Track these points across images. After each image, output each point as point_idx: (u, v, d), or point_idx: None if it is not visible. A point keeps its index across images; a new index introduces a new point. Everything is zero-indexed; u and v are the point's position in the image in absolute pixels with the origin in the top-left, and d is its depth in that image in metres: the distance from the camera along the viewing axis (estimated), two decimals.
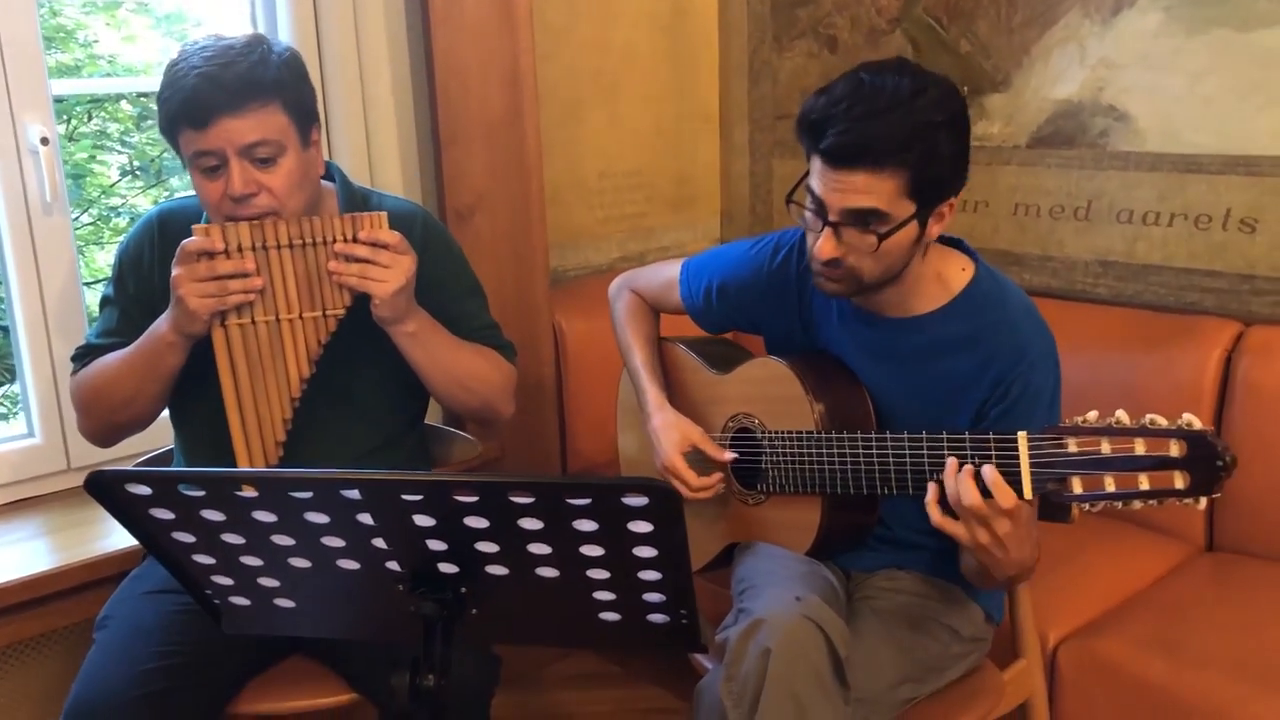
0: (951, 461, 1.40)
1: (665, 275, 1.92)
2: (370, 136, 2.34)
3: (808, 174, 1.53)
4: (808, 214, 1.53)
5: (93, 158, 3.20)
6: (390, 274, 1.61)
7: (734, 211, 3.15)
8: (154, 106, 3.07)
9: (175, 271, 1.58)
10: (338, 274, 1.61)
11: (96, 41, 3.21)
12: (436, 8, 2.31)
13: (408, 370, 1.74)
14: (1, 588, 1.85)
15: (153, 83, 3.05)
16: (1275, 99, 2.17)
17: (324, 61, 2.27)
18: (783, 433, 1.67)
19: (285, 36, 2.29)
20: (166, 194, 3.47)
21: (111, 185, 3.45)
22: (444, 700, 1.10)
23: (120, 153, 3.52)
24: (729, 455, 1.73)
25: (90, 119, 3.19)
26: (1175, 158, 2.32)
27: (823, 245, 1.50)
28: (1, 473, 2.12)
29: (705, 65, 3.06)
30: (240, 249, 1.59)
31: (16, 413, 3.12)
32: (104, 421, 1.73)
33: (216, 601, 1.20)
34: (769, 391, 1.71)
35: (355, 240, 1.62)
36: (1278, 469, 2.09)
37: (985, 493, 1.37)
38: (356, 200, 1.79)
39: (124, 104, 3.46)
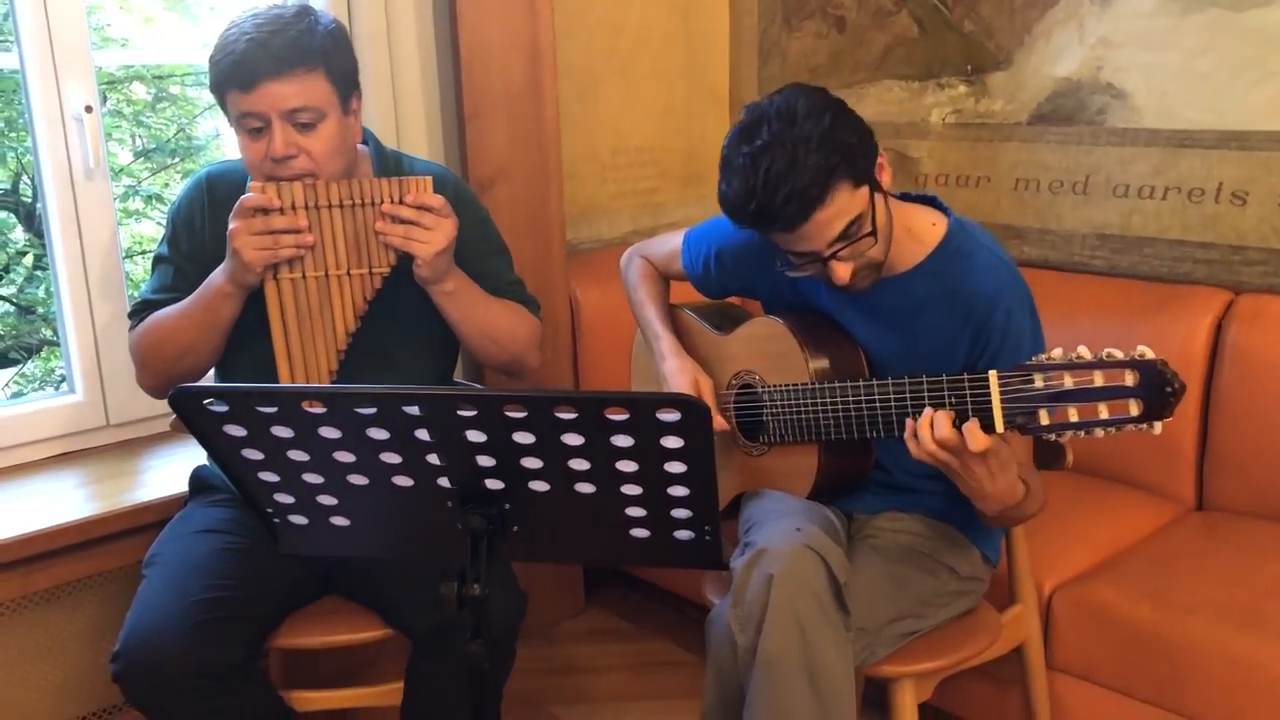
0: (927, 411, 1.50)
1: (670, 245, 2.04)
2: (398, 109, 2.43)
3: (782, 251, 1.65)
4: (808, 268, 1.65)
5: (109, 137, 3.30)
6: (433, 236, 1.70)
7: None
8: (170, 89, 3.14)
9: (232, 225, 1.68)
10: (384, 234, 1.71)
11: (110, 25, 3.31)
12: None
13: (438, 327, 1.84)
14: (50, 531, 1.95)
15: (187, 56, 3.15)
16: (1267, 76, 2.26)
17: (355, 38, 2.36)
18: (781, 386, 1.77)
19: None
20: (180, 175, 3.57)
21: (126, 166, 3.55)
22: (486, 609, 1.21)
23: (135, 134, 3.62)
24: (722, 423, 1.84)
25: (105, 101, 3.29)
26: (1170, 133, 2.41)
27: (838, 272, 1.61)
28: (46, 428, 2.23)
29: (716, 45, 3.15)
30: (294, 207, 1.69)
31: (26, 391, 3.22)
32: (162, 372, 1.81)
33: (276, 521, 1.30)
34: (768, 348, 1.82)
35: (402, 203, 1.71)
36: (1264, 430, 2.19)
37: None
38: (389, 163, 1.89)
39: (137, 86, 3.55)
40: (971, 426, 1.45)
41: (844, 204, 1.57)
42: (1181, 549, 2.13)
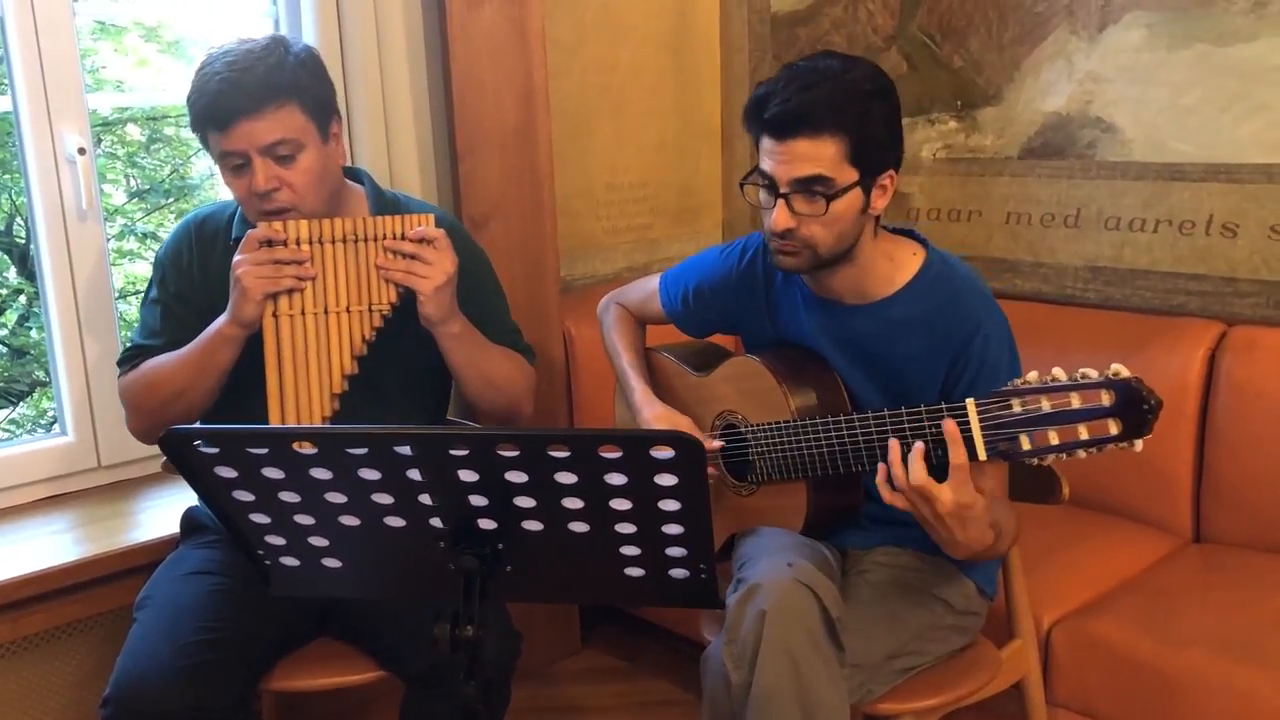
0: (893, 443, 1.50)
1: (647, 288, 2.05)
2: (391, 147, 2.43)
3: (757, 165, 1.66)
4: (761, 194, 1.66)
5: (103, 177, 3.31)
6: (433, 271, 1.71)
7: (735, 223, 3.25)
8: (164, 131, 3.16)
9: (237, 258, 1.69)
10: (385, 268, 1.71)
11: (104, 67, 3.32)
12: (454, 26, 2.42)
13: (431, 369, 1.84)
14: (40, 574, 1.93)
15: (181, 97, 3.17)
16: (1253, 109, 2.28)
17: (347, 76, 2.37)
18: (764, 424, 1.77)
19: None
20: (174, 215, 3.57)
21: (120, 207, 3.56)
22: (480, 650, 1.19)
23: (129, 175, 3.63)
24: (715, 444, 1.84)
25: (99, 143, 3.30)
26: (1160, 166, 2.43)
27: (777, 216, 1.62)
28: (37, 470, 2.21)
29: (708, 82, 3.17)
30: (299, 241, 1.70)
31: (19, 434, 3.21)
32: (155, 418, 1.79)
33: (268, 563, 1.28)
34: (747, 387, 1.82)
35: (404, 238, 1.72)
36: (1260, 462, 2.19)
37: (939, 464, 1.48)
38: (386, 204, 1.89)
39: (132, 127, 3.57)
40: (915, 456, 1.46)
41: (828, 156, 1.58)
42: (1180, 582, 2.12)
